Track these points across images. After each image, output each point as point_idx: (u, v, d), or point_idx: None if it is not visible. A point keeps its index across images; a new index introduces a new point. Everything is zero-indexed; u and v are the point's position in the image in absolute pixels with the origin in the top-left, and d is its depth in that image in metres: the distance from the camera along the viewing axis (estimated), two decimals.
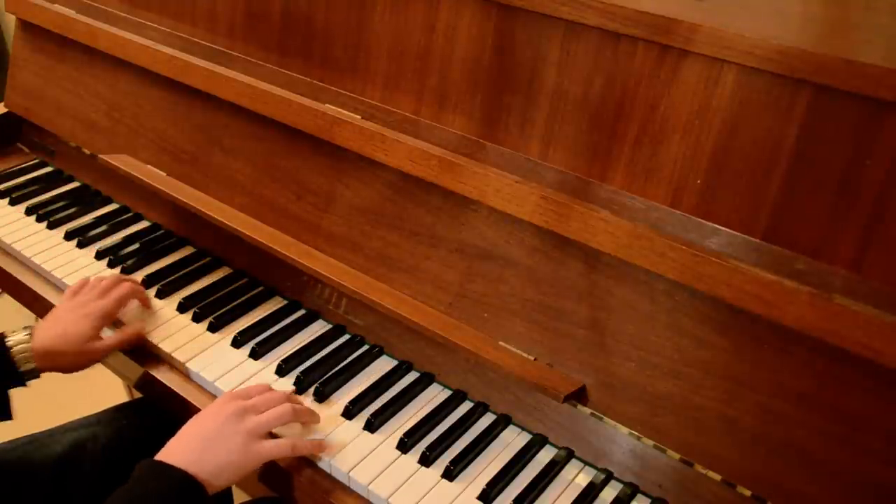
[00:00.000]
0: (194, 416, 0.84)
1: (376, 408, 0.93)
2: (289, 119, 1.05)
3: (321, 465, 0.88)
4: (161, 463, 0.77)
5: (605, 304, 0.86)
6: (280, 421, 0.85)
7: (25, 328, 0.95)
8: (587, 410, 0.88)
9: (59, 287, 1.12)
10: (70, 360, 0.95)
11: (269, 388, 0.90)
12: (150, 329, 1.03)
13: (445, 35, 0.96)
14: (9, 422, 0.95)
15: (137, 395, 1.20)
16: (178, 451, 0.79)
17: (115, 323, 1.03)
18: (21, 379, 0.93)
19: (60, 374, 0.96)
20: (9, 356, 0.91)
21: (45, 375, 0.95)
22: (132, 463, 0.77)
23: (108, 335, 1.00)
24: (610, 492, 0.85)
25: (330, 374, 0.97)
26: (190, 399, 0.95)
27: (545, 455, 0.89)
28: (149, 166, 1.21)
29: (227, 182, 1.15)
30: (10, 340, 0.93)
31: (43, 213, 1.24)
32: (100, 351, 0.97)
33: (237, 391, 0.89)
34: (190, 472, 0.76)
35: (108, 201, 1.30)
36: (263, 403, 0.86)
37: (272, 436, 0.87)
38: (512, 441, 0.91)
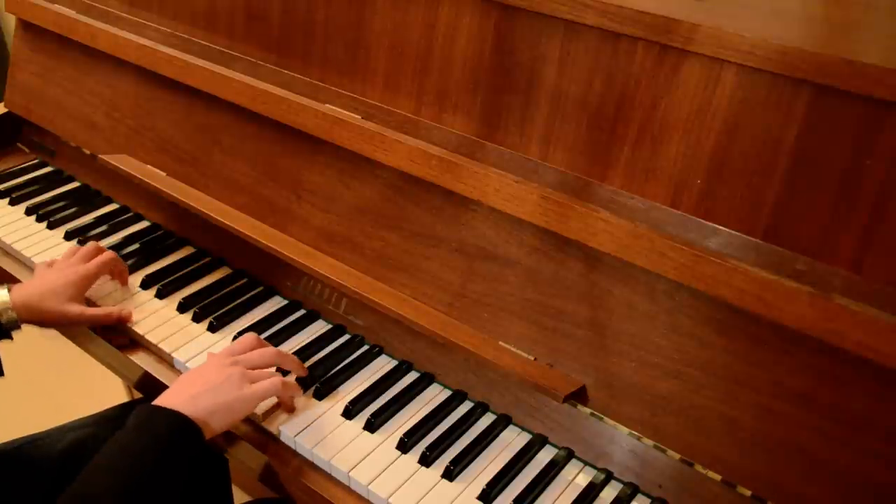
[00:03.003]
0: (185, 372, 0.89)
1: (376, 408, 0.93)
2: (289, 119, 1.05)
3: (320, 464, 0.88)
4: (156, 406, 0.80)
5: (605, 304, 0.86)
6: (268, 364, 0.91)
7: (2, 285, 0.99)
8: (587, 410, 0.88)
9: None
10: (50, 316, 0.99)
11: (258, 340, 0.94)
12: (151, 328, 1.03)
13: (445, 35, 0.96)
14: (9, 420, 0.95)
15: (137, 395, 1.20)
16: (172, 395, 0.83)
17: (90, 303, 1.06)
18: (3, 329, 0.97)
19: (60, 375, 0.96)
20: None
21: (45, 377, 0.95)
22: None
23: (94, 308, 1.04)
24: (610, 492, 0.85)
25: (330, 373, 0.97)
26: None
27: (545, 455, 0.89)
28: (149, 166, 1.21)
29: (227, 182, 1.15)
30: None
31: (43, 213, 1.24)
32: (83, 316, 1.01)
33: (226, 349, 0.92)
34: (184, 412, 0.79)
35: (108, 201, 1.30)
36: (252, 355, 0.90)
37: None
38: (512, 441, 0.91)
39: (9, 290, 0.98)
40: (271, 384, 0.87)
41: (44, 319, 1.00)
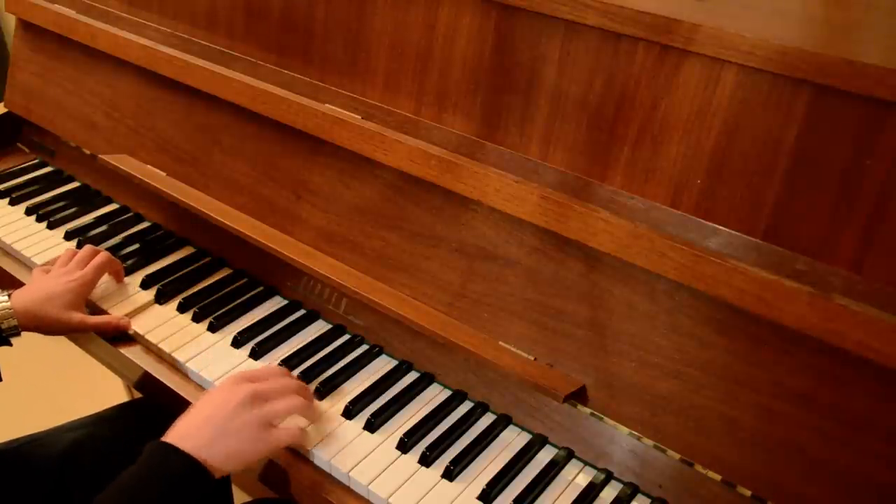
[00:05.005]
0: (205, 396, 0.84)
1: (376, 408, 0.93)
2: (288, 119, 1.05)
3: (321, 465, 0.88)
4: (171, 446, 0.77)
5: (605, 304, 0.86)
6: (292, 411, 0.86)
7: (2, 291, 0.99)
8: (587, 410, 0.88)
9: None
10: (51, 323, 0.99)
11: (281, 372, 0.91)
12: (150, 328, 1.03)
13: (445, 35, 0.96)
14: (9, 420, 0.95)
15: (137, 395, 1.20)
16: (189, 434, 0.79)
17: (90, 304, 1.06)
18: (3, 336, 0.96)
19: (60, 376, 0.96)
20: None
21: (45, 377, 0.95)
22: (131, 463, 0.77)
23: (95, 316, 1.03)
24: (610, 492, 0.85)
25: (330, 373, 0.97)
26: (190, 399, 0.95)
27: (545, 455, 0.89)
28: (149, 166, 1.21)
29: (227, 182, 1.15)
30: None
31: (43, 213, 1.24)
32: (84, 324, 1.01)
33: (246, 373, 0.88)
34: (199, 457, 0.77)
35: (108, 201, 1.30)
36: (274, 390, 0.85)
37: None
38: (512, 441, 0.91)
39: (9, 297, 0.98)
40: (289, 436, 0.84)
41: (44, 326, 0.99)
